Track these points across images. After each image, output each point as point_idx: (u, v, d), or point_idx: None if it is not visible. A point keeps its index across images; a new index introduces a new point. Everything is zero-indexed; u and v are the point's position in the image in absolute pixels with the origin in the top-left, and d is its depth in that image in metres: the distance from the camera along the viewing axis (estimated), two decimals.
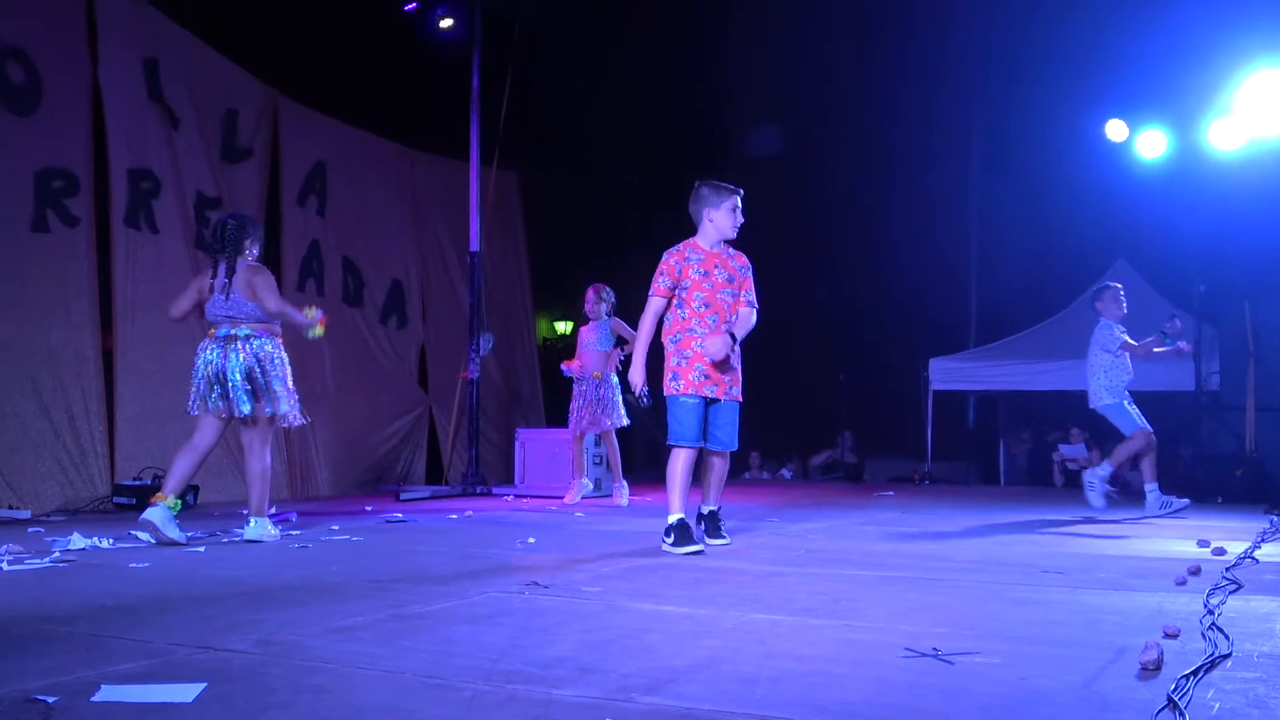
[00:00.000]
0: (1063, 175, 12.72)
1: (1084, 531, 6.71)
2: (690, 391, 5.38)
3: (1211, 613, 3.48)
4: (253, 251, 5.94)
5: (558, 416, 10.59)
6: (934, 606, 3.74)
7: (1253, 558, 5.11)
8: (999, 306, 14.55)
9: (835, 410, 14.18)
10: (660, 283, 5.46)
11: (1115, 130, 11.54)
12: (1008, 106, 12.97)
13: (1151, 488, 7.84)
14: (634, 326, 8.80)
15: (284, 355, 5.90)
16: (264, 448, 5.88)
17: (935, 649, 2.90)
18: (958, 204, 14.77)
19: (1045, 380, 12.17)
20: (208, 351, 5.79)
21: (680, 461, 5.40)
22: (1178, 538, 6.20)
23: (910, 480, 12.59)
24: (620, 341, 8.82)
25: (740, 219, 5.55)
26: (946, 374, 12.94)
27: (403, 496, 9.14)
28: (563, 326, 15.73)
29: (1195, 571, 4.47)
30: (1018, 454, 14.46)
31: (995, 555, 5.36)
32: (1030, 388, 12.65)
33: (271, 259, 9.82)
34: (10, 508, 7.12)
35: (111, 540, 5.51)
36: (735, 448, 5.58)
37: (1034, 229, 13.36)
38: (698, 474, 5.64)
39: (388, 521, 7.12)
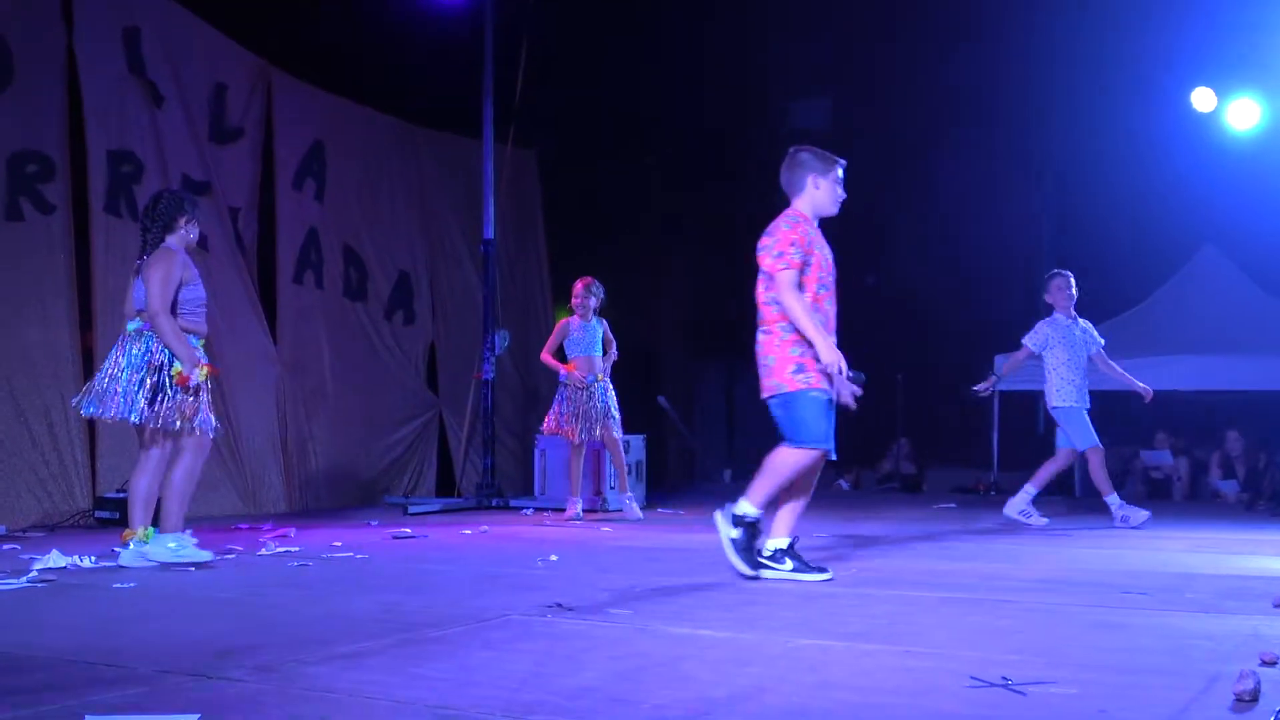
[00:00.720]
0: (1143, 150, 12.56)
1: (1169, 546, 6.66)
2: (822, 386, 5.15)
3: None
4: (191, 233, 5.68)
5: None
6: (1002, 630, 3.72)
7: None
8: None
9: (891, 414, 14.09)
10: (792, 254, 5.16)
11: (1202, 99, 11.43)
12: (1081, 75, 12.84)
13: (1031, 493, 8.13)
14: (614, 329, 9.02)
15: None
16: (185, 458, 5.52)
17: (1005, 678, 2.89)
18: (1026, 185, 14.61)
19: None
20: (116, 348, 5.53)
21: (804, 464, 5.10)
22: (1274, 554, 6.14)
23: (974, 491, 12.50)
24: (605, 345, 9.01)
25: (843, 193, 5.46)
26: (1015, 373, 12.82)
27: (411, 510, 9.17)
28: None
29: None
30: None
31: (1069, 573, 5.33)
32: (1108, 387, 12.54)
33: (266, 249, 9.87)
34: None
35: (94, 558, 5.54)
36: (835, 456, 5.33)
37: (1111, 211, 13.21)
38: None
39: (395, 537, 7.15)
